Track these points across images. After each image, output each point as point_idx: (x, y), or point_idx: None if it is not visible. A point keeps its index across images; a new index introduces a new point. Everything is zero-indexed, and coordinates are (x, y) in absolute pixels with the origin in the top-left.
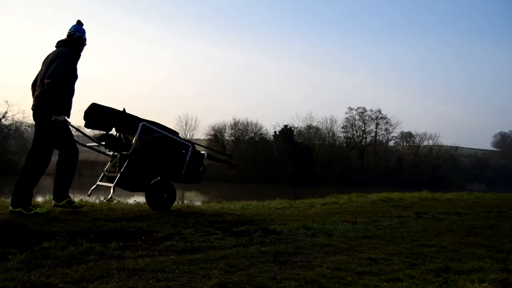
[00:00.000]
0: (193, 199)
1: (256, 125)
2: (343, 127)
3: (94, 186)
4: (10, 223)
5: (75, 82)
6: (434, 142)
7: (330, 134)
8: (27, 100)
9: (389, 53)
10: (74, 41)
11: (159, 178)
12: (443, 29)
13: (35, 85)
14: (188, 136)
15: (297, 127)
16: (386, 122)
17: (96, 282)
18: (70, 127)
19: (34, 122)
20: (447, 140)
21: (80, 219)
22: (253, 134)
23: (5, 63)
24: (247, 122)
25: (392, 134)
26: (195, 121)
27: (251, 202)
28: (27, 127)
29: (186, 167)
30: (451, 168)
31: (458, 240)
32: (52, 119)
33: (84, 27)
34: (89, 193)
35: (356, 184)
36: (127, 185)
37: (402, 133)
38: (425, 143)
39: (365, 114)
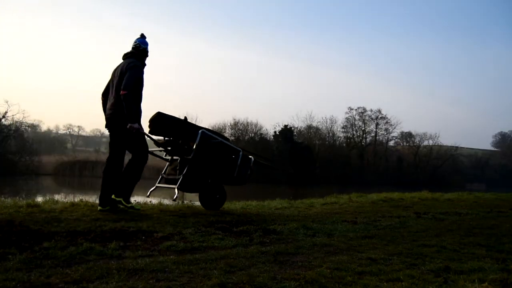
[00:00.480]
0: (193, 199)
1: (256, 125)
2: (343, 127)
3: (153, 188)
4: (10, 223)
5: (143, 90)
6: (434, 142)
7: (330, 134)
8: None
9: (389, 53)
10: (140, 52)
11: (211, 180)
12: (443, 29)
13: (106, 95)
14: None
15: (297, 127)
16: (386, 122)
17: (96, 282)
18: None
19: (108, 129)
20: (447, 140)
21: (80, 219)
22: (253, 134)
23: (5, 63)
24: (247, 122)
25: (392, 134)
26: (195, 121)
27: (251, 202)
28: (27, 127)
29: (237, 170)
30: (451, 168)
31: (458, 240)
32: (128, 126)
33: (147, 39)
34: (148, 194)
35: (356, 184)
36: (187, 187)
37: (402, 133)
38: (425, 143)
39: (365, 114)
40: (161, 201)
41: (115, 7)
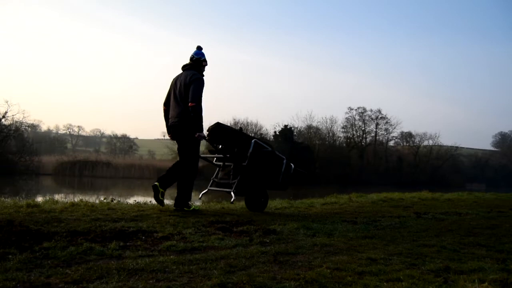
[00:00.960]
0: (193, 199)
1: (256, 125)
2: (343, 127)
3: (205, 190)
4: (10, 223)
5: None
6: (434, 142)
7: (330, 134)
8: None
9: (389, 53)
10: (199, 63)
11: (260, 185)
12: (444, 29)
13: (167, 104)
14: None
15: (297, 127)
16: (386, 122)
17: (96, 282)
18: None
19: (173, 136)
20: (447, 140)
21: (80, 219)
22: (253, 134)
23: (5, 63)
24: (247, 122)
25: (392, 134)
26: None
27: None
28: (27, 127)
29: (282, 176)
30: (451, 168)
31: (458, 240)
32: (196, 135)
33: (203, 50)
34: (200, 196)
35: (356, 184)
36: (240, 191)
37: (402, 133)
38: (425, 143)
39: (365, 114)
40: None
41: (115, 7)
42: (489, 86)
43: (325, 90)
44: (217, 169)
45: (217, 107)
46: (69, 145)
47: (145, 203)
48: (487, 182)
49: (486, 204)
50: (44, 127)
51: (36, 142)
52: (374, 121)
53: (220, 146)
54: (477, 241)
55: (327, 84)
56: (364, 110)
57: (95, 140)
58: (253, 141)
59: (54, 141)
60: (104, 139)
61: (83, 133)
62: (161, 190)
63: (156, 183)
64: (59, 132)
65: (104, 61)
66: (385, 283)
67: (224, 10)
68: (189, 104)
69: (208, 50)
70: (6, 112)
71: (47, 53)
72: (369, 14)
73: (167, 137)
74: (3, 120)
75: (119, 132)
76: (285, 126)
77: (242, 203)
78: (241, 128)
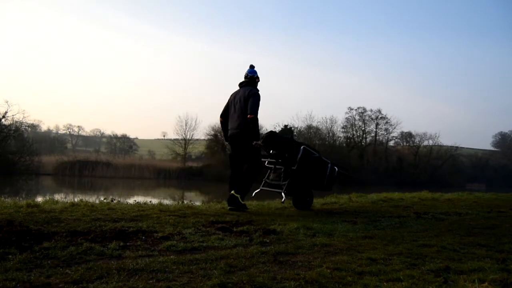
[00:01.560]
0: (193, 199)
1: None
2: (343, 127)
3: (257, 190)
4: (10, 223)
5: None
6: (434, 142)
7: (330, 134)
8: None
9: (389, 53)
10: (253, 80)
11: (307, 186)
12: (443, 29)
13: (224, 116)
14: (188, 136)
15: (297, 127)
16: (386, 122)
17: (96, 282)
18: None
19: (233, 143)
20: (447, 140)
21: (80, 219)
22: None
23: (5, 63)
24: None
25: (392, 134)
26: (195, 121)
27: (251, 202)
28: (27, 127)
29: (327, 178)
30: (451, 168)
31: (458, 240)
32: (253, 143)
33: (255, 68)
34: (253, 194)
35: (356, 184)
36: (290, 191)
37: (402, 133)
38: (425, 143)
39: (365, 114)
40: (161, 201)
41: (115, 7)
42: (489, 86)
43: (325, 90)
44: (268, 171)
45: (217, 107)
46: (69, 145)
47: (145, 203)
48: (487, 182)
49: (486, 204)
50: (44, 127)
51: (36, 142)
52: (374, 121)
53: (271, 151)
54: (477, 241)
55: (327, 84)
56: (364, 110)
57: (95, 140)
58: (302, 147)
59: (54, 141)
60: (104, 139)
61: (83, 133)
62: (238, 195)
63: (232, 192)
64: (59, 132)
65: (104, 61)
66: (385, 283)
67: (224, 10)
68: (248, 116)
69: (209, 50)
70: (6, 112)
71: (47, 53)
72: (369, 14)
73: (167, 137)
74: (3, 120)
75: (119, 132)
76: (285, 126)
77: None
78: (292, 136)
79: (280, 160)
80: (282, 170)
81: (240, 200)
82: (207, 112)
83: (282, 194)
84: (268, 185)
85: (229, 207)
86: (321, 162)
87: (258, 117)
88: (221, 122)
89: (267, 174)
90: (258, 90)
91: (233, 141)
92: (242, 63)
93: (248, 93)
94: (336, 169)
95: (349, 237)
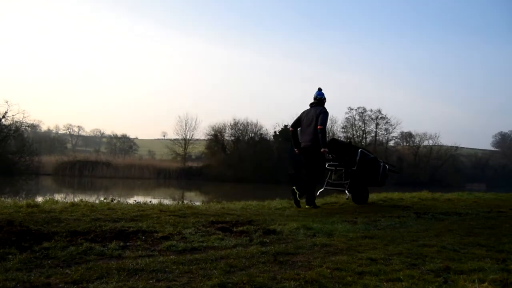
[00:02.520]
0: (193, 199)
1: (256, 125)
2: (343, 127)
3: (321, 189)
4: (10, 223)
5: None
6: (434, 142)
7: (330, 134)
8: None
9: (389, 53)
10: (322, 101)
11: (364, 183)
12: (443, 29)
13: (295, 127)
14: (188, 136)
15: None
16: (386, 122)
17: (96, 282)
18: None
19: (306, 151)
20: (447, 140)
21: (80, 219)
22: (253, 134)
23: (5, 63)
24: (247, 122)
25: (392, 134)
26: (195, 121)
27: (251, 202)
28: (27, 127)
29: (380, 176)
30: (451, 168)
31: (458, 240)
32: (322, 150)
33: (323, 91)
34: (317, 193)
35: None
36: (352, 189)
37: (402, 133)
38: (425, 143)
39: (365, 114)
40: (161, 201)
41: (115, 8)
42: (489, 86)
43: (325, 90)
44: (329, 172)
45: (217, 107)
46: (69, 145)
47: (145, 203)
48: (487, 182)
49: (486, 204)
50: (44, 127)
51: (36, 142)
52: (374, 121)
53: (330, 155)
54: (477, 241)
55: (327, 84)
56: (364, 110)
57: (95, 140)
58: (359, 150)
59: (54, 141)
60: (104, 139)
61: (83, 133)
62: (297, 192)
63: (294, 187)
64: (59, 132)
65: (104, 61)
66: (385, 283)
67: (224, 10)
68: (318, 126)
69: (209, 50)
70: (6, 112)
71: (47, 53)
72: (369, 14)
73: (167, 137)
74: (3, 120)
75: (119, 132)
76: (285, 126)
77: (242, 203)
78: (350, 141)
79: (341, 163)
80: (343, 171)
81: (312, 206)
82: (207, 112)
83: (346, 192)
84: (330, 185)
85: (307, 205)
86: (376, 162)
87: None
88: (292, 131)
89: (328, 175)
90: (326, 109)
91: (306, 151)
92: (242, 63)
93: (319, 111)
94: (387, 167)
95: (349, 237)
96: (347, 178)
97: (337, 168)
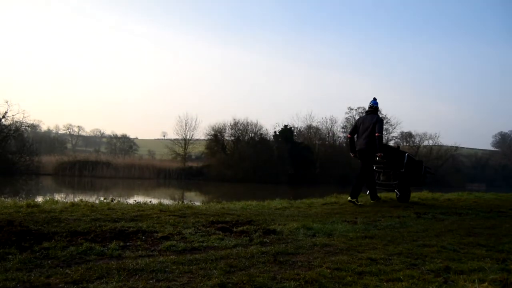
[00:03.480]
0: (193, 199)
1: (256, 125)
2: (343, 127)
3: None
4: (10, 223)
5: None
6: (434, 142)
7: (330, 134)
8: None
9: (389, 53)
10: (376, 109)
11: (409, 183)
12: (444, 29)
13: (353, 134)
14: (188, 136)
15: (297, 127)
16: (386, 122)
17: (96, 282)
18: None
19: (362, 154)
20: (447, 140)
21: (80, 219)
22: (253, 134)
23: (5, 63)
24: (247, 122)
25: (392, 134)
26: (195, 121)
27: (251, 202)
28: (27, 127)
29: (422, 176)
30: (451, 168)
31: (458, 240)
32: (378, 154)
33: (377, 100)
34: (368, 193)
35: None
36: (400, 188)
37: (402, 133)
38: (425, 143)
39: None
40: (161, 201)
41: (115, 8)
42: (489, 86)
43: (325, 90)
44: (377, 174)
45: (217, 107)
46: (69, 145)
47: (145, 203)
48: (487, 182)
49: (486, 204)
50: (44, 127)
51: (36, 142)
52: None
53: (383, 159)
54: (477, 241)
55: (327, 84)
56: (364, 110)
57: (95, 140)
58: (406, 154)
59: (54, 141)
60: (104, 139)
61: (83, 133)
62: (353, 200)
63: (348, 198)
64: (59, 132)
65: (105, 61)
66: (385, 283)
67: (225, 10)
68: (376, 134)
69: (209, 50)
70: (6, 112)
71: (47, 53)
72: (370, 15)
73: (167, 137)
74: (3, 120)
75: (119, 132)
76: (285, 126)
77: (242, 203)
78: (398, 146)
79: (390, 165)
80: (391, 172)
81: (356, 202)
82: (207, 112)
83: (396, 191)
84: (379, 185)
85: (372, 200)
86: (420, 165)
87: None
88: (349, 138)
89: (377, 176)
90: (381, 117)
91: (361, 153)
92: (242, 63)
93: (375, 119)
94: (427, 169)
95: (349, 237)
96: (396, 179)
97: (385, 170)
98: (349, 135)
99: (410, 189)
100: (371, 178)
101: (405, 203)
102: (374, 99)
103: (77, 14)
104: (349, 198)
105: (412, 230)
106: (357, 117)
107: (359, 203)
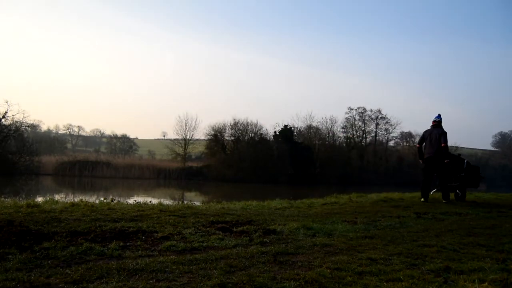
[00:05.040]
0: (193, 199)
1: (256, 125)
2: (343, 127)
3: (434, 190)
4: (10, 223)
5: None
6: None
7: (330, 134)
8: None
9: (389, 53)
10: (440, 123)
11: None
12: (443, 30)
13: (421, 143)
14: (188, 136)
15: (297, 127)
16: (386, 122)
17: (96, 282)
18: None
19: (432, 161)
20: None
21: (80, 219)
22: (253, 134)
23: (5, 64)
24: (247, 122)
25: (392, 134)
26: (195, 121)
27: (251, 202)
28: (27, 127)
29: (478, 179)
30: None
31: (458, 240)
32: (445, 161)
33: (441, 116)
34: (431, 193)
35: (356, 184)
36: (460, 189)
37: (402, 133)
38: None
39: (365, 114)
40: (161, 201)
41: (116, 8)
42: (489, 86)
43: (325, 90)
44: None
45: (217, 107)
46: (69, 145)
47: (145, 203)
48: (487, 182)
49: (486, 204)
50: (44, 127)
51: (36, 142)
52: (374, 121)
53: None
54: (477, 241)
55: (327, 84)
56: (364, 110)
57: (95, 140)
58: (465, 161)
59: (54, 141)
60: (104, 139)
61: (83, 133)
62: (444, 200)
63: (422, 199)
64: (59, 132)
65: (105, 61)
66: (385, 283)
67: (224, 11)
68: (442, 145)
69: (209, 50)
70: (6, 112)
71: (47, 53)
72: (370, 15)
73: (167, 137)
74: (3, 120)
75: (119, 132)
76: (285, 126)
77: (242, 203)
78: (459, 154)
79: (451, 169)
80: (453, 176)
81: (423, 200)
82: (207, 112)
83: (457, 191)
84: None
85: (444, 201)
86: (476, 169)
87: None
88: (418, 148)
89: (437, 180)
90: (444, 130)
91: (429, 161)
92: (242, 63)
93: (441, 132)
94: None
95: (349, 237)
96: (456, 181)
97: (449, 174)
98: (418, 145)
99: (465, 190)
100: (445, 181)
101: (463, 202)
102: (439, 115)
103: (78, 14)
104: (421, 199)
105: (412, 230)
106: (357, 117)
107: (422, 200)
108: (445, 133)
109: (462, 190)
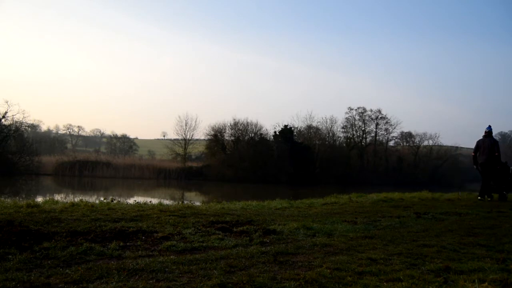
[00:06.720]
0: (193, 199)
1: (256, 125)
2: (343, 127)
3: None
4: (10, 223)
5: None
6: (434, 142)
7: (330, 134)
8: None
9: (389, 53)
10: (491, 133)
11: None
12: (443, 30)
13: (476, 152)
14: (188, 136)
15: (297, 127)
16: (386, 122)
17: (96, 282)
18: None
19: (484, 167)
20: (447, 140)
21: (80, 219)
22: (253, 134)
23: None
24: (247, 122)
25: (392, 134)
26: (195, 121)
27: (251, 202)
28: (27, 127)
29: None
30: (451, 168)
31: (458, 240)
32: (498, 167)
33: (492, 127)
34: (479, 197)
35: (356, 184)
36: (507, 190)
37: (402, 133)
38: (425, 143)
39: (365, 114)
40: (161, 201)
41: (116, 8)
42: (489, 86)
43: (325, 90)
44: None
45: (217, 107)
46: (69, 145)
47: (145, 203)
48: None
49: (486, 204)
50: (44, 127)
51: (36, 142)
52: (374, 121)
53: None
54: (477, 241)
55: (327, 84)
56: (364, 110)
57: (95, 140)
58: (511, 167)
59: (54, 141)
60: (104, 139)
61: (83, 133)
62: (479, 198)
63: (481, 198)
64: (59, 132)
65: (105, 61)
66: (385, 283)
67: (225, 11)
68: (496, 153)
69: (209, 50)
70: (6, 112)
71: (47, 53)
72: (370, 15)
73: (167, 137)
74: (3, 120)
75: (119, 132)
76: (285, 126)
77: (242, 203)
78: (506, 162)
79: (500, 174)
80: (500, 179)
81: (482, 197)
82: (207, 112)
83: (504, 192)
84: (491, 187)
85: (478, 197)
86: None
87: None
88: (473, 155)
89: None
90: (496, 140)
91: (483, 166)
92: (242, 63)
93: (493, 141)
94: None
95: (349, 237)
96: (504, 184)
97: (496, 177)
98: (473, 153)
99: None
100: (487, 182)
101: (505, 202)
102: (489, 126)
103: (78, 14)
104: (479, 197)
105: (412, 230)
106: (357, 117)
107: (488, 199)
108: (497, 142)
109: (509, 191)
